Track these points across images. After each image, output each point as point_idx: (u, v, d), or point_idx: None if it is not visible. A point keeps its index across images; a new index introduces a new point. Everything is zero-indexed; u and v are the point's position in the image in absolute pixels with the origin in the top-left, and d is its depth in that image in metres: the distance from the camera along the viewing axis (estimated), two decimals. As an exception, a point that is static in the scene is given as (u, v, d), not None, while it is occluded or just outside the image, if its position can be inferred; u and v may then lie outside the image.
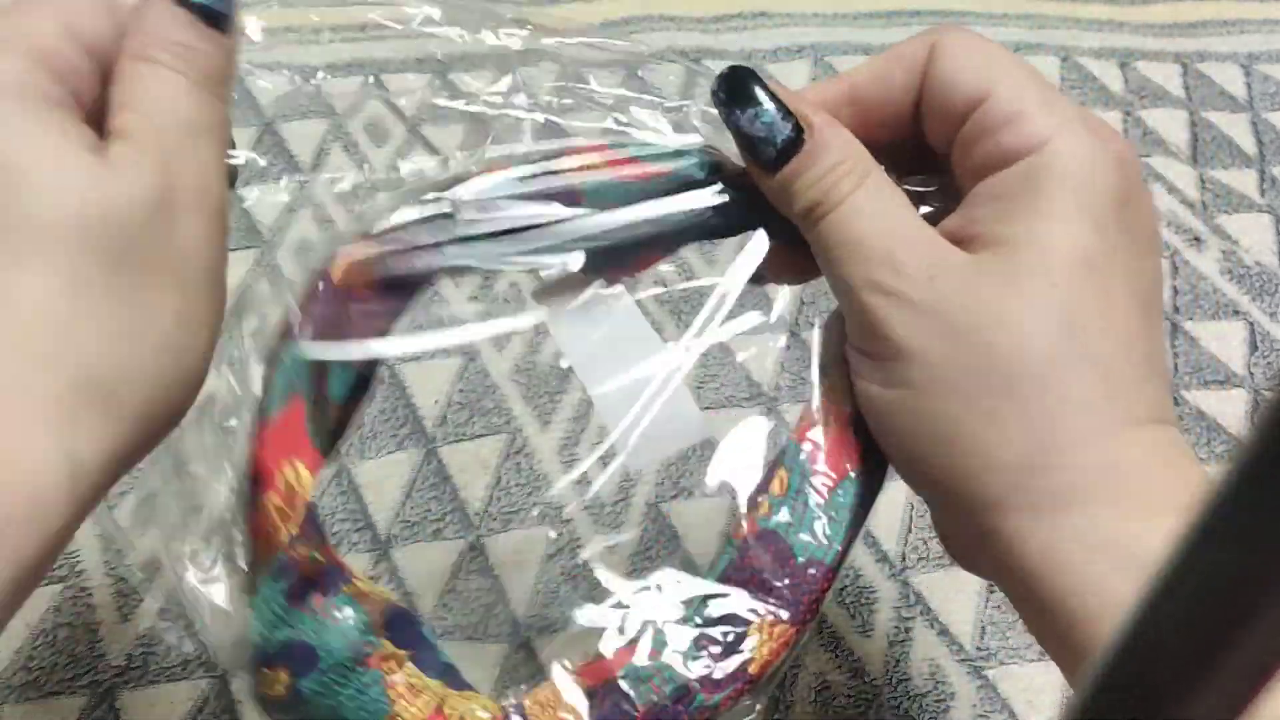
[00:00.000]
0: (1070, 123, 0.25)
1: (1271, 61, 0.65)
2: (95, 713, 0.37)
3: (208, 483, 0.25)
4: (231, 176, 0.27)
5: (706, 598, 0.26)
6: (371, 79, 0.59)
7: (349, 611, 0.25)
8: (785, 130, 0.26)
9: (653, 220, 0.28)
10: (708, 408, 0.45)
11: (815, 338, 0.29)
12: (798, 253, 0.28)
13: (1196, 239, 0.55)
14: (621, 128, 0.29)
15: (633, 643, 0.25)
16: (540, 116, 0.29)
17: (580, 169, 0.28)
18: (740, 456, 0.28)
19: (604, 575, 0.26)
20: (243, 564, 0.25)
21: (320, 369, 0.26)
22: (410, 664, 0.25)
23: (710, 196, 0.28)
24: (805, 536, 0.26)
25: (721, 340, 0.28)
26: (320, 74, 0.59)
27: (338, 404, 0.27)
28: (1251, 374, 0.49)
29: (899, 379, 0.25)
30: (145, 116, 0.23)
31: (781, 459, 0.27)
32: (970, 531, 0.25)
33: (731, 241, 0.29)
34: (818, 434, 0.27)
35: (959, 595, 0.41)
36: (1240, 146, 0.59)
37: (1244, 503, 0.10)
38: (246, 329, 0.27)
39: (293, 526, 0.24)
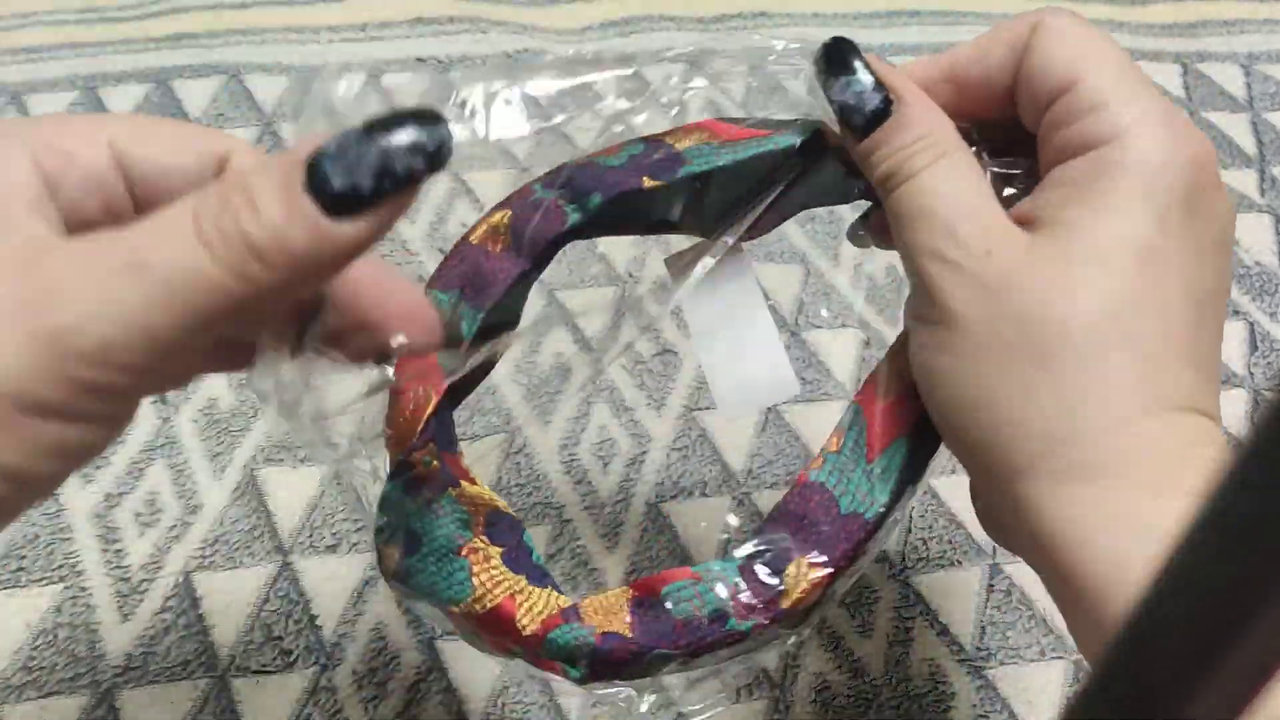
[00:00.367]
0: (1150, 117, 0.25)
1: (1271, 61, 0.65)
2: (95, 713, 0.37)
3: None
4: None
5: (752, 533, 0.28)
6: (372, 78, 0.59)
7: (449, 509, 0.29)
8: (875, 101, 0.27)
9: (759, 184, 0.30)
10: (707, 408, 0.45)
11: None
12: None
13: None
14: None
15: (683, 565, 0.29)
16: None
17: (684, 137, 0.31)
18: None
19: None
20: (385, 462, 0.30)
21: (455, 311, 0.30)
22: (499, 559, 0.28)
23: (815, 162, 0.30)
24: (850, 490, 0.28)
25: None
26: (320, 73, 0.59)
27: (466, 341, 0.31)
28: (1251, 374, 0.49)
29: (947, 345, 0.26)
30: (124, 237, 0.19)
31: (842, 421, 0.29)
32: (1002, 500, 0.26)
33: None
34: (877, 400, 0.29)
35: (959, 595, 0.41)
36: (1240, 146, 0.59)
37: (1244, 503, 0.10)
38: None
39: (414, 437, 0.29)
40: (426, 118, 0.19)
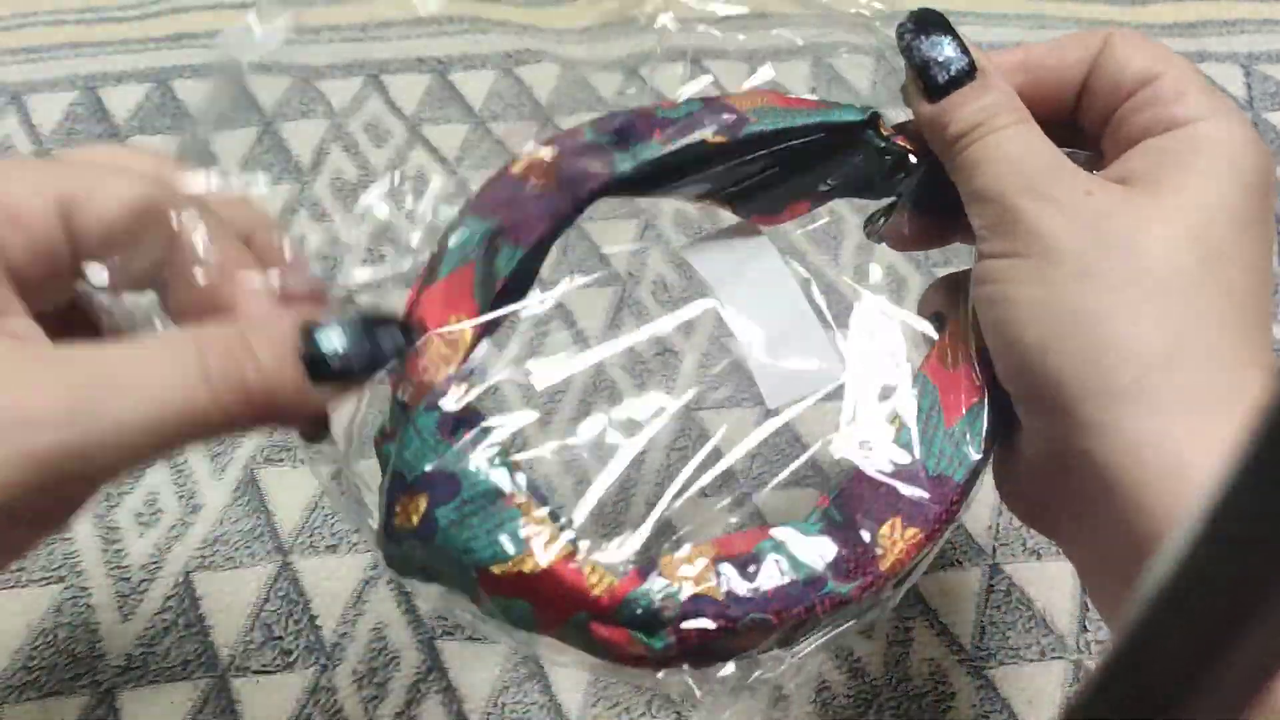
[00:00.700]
0: (1231, 111, 0.28)
1: (1271, 61, 0.65)
2: (95, 713, 0.37)
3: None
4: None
5: (839, 495, 0.27)
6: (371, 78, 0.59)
7: (496, 449, 0.25)
8: (961, 62, 0.29)
9: (805, 168, 0.31)
10: (707, 408, 0.45)
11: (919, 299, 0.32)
12: (927, 224, 0.32)
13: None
14: None
15: (765, 526, 0.26)
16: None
17: (746, 101, 0.31)
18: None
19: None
20: (401, 401, 0.26)
21: (492, 243, 0.28)
22: (546, 514, 0.25)
23: (862, 150, 0.31)
24: (936, 453, 0.28)
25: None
26: (320, 74, 0.59)
27: (503, 277, 0.28)
28: (1251, 374, 0.49)
29: (1040, 276, 0.26)
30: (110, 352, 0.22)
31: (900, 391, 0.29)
32: (1061, 434, 0.26)
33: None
34: (944, 369, 0.29)
35: (959, 595, 0.41)
36: (1240, 146, 0.59)
37: (1244, 503, 0.10)
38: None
39: (452, 367, 0.25)
40: (404, 326, 0.25)
